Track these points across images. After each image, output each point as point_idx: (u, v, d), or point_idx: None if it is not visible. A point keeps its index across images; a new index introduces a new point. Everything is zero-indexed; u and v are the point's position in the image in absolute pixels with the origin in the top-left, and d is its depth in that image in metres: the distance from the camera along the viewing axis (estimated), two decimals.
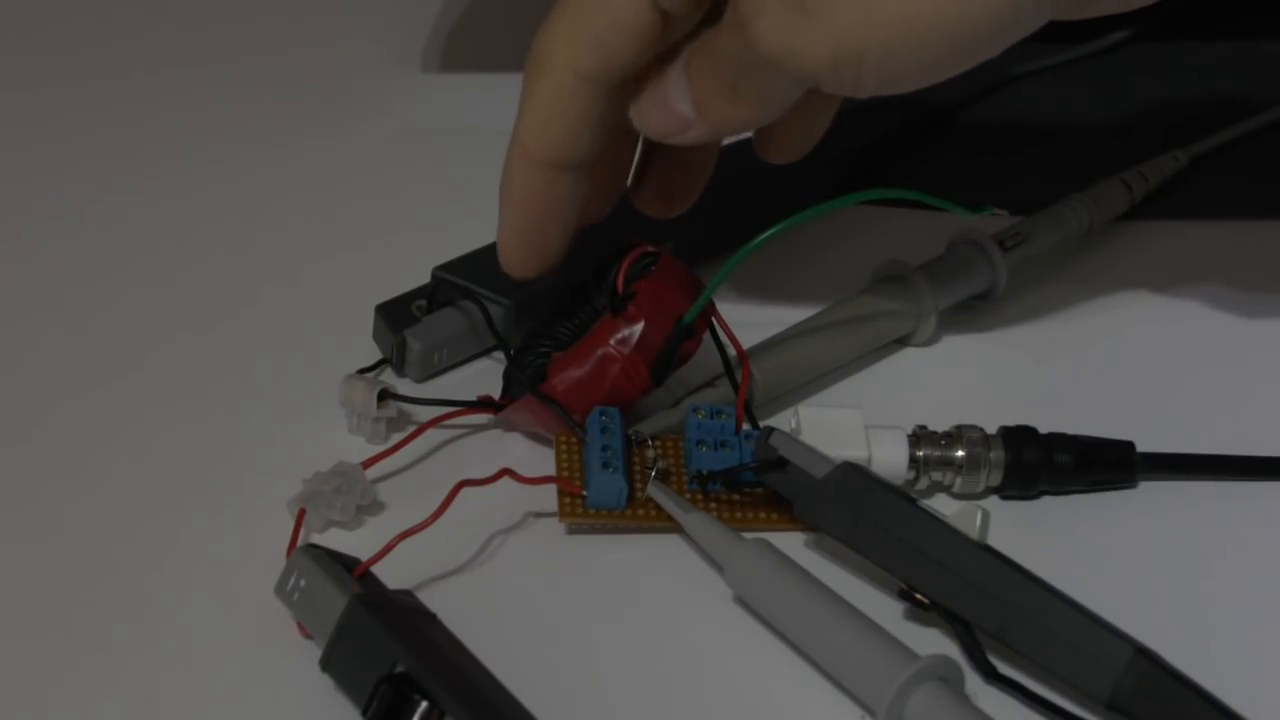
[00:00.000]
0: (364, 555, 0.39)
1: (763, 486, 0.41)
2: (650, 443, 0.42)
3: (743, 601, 0.39)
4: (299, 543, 0.40)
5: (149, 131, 0.57)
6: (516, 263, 0.42)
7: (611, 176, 0.44)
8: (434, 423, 0.43)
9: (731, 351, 0.43)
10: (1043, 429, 0.42)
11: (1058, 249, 0.49)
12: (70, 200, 0.53)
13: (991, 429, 0.42)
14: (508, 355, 0.44)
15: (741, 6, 0.36)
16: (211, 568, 0.40)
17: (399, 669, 0.35)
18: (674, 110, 0.39)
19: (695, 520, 0.40)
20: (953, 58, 0.36)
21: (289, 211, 0.53)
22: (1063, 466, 0.42)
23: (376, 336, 0.46)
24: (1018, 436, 0.42)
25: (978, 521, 0.38)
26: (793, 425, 0.41)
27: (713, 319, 0.42)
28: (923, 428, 0.42)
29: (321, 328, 0.48)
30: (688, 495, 0.41)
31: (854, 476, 0.39)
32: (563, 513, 0.40)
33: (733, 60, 0.37)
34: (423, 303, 0.46)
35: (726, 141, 0.52)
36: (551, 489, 0.41)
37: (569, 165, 0.40)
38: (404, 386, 0.45)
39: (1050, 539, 0.41)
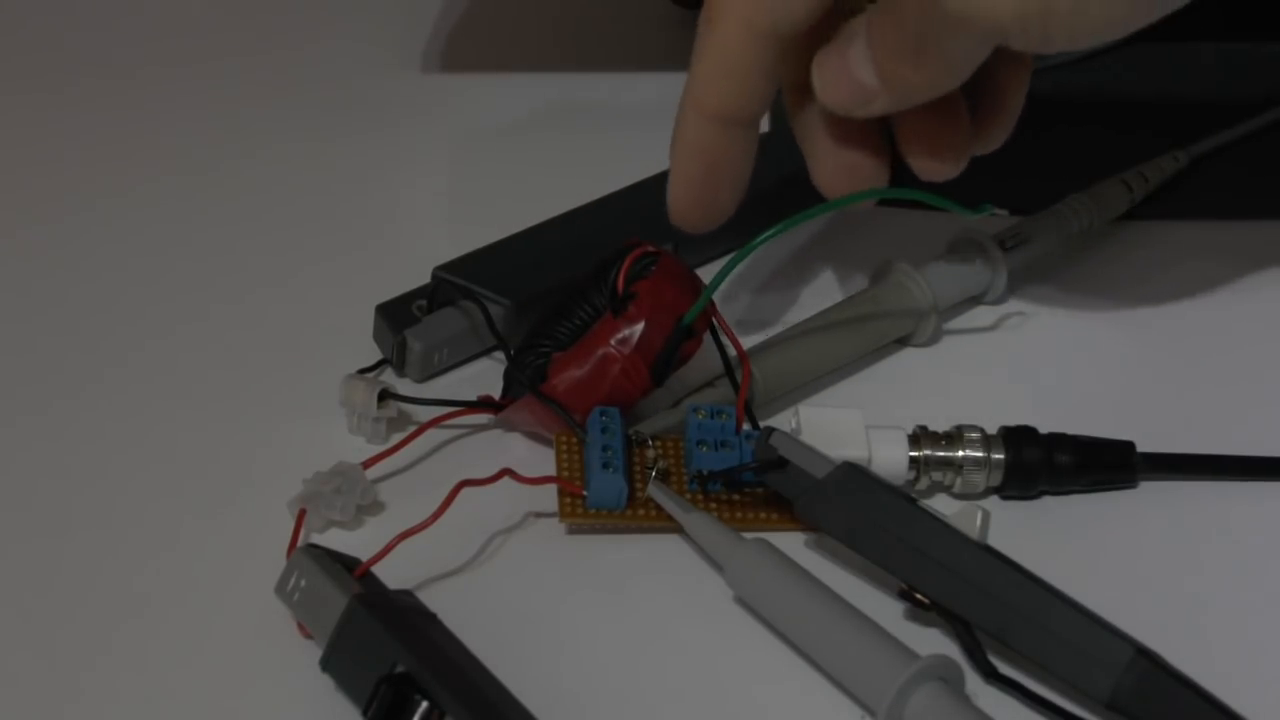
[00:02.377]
0: (364, 555, 0.39)
1: (763, 486, 0.41)
2: (650, 443, 0.42)
3: (743, 601, 0.39)
4: (299, 543, 0.40)
5: (150, 132, 0.57)
6: (686, 215, 0.41)
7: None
8: (434, 423, 0.43)
9: (731, 351, 0.43)
10: (1043, 429, 0.42)
11: (1058, 249, 0.49)
12: (70, 200, 0.53)
13: (991, 429, 0.42)
14: (508, 355, 0.44)
15: None
16: (211, 568, 0.40)
17: (399, 669, 0.35)
18: (858, 81, 0.39)
19: (695, 520, 0.40)
20: (1141, 7, 0.36)
21: (289, 211, 0.53)
22: (1063, 466, 0.42)
23: (376, 336, 0.46)
24: (1018, 436, 0.42)
25: (978, 521, 0.38)
26: (793, 425, 0.41)
27: (713, 319, 0.42)
28: (923, 428, 0.42)
29: (321, 328, 0.48)
30: (688, 495, 0.41)
31: (854, 476, 0.39)
32: (563, 513, 0.40)
33: (917, 21, 0.37)
34: (423, 303, 0.46)
35: None
36: (551, 489, 0.41)
37: (741, 121, 0.40)
38: (404, 386, 0.45)
39: (1050, 539, 0.41)
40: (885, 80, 0.39)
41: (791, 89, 0.42)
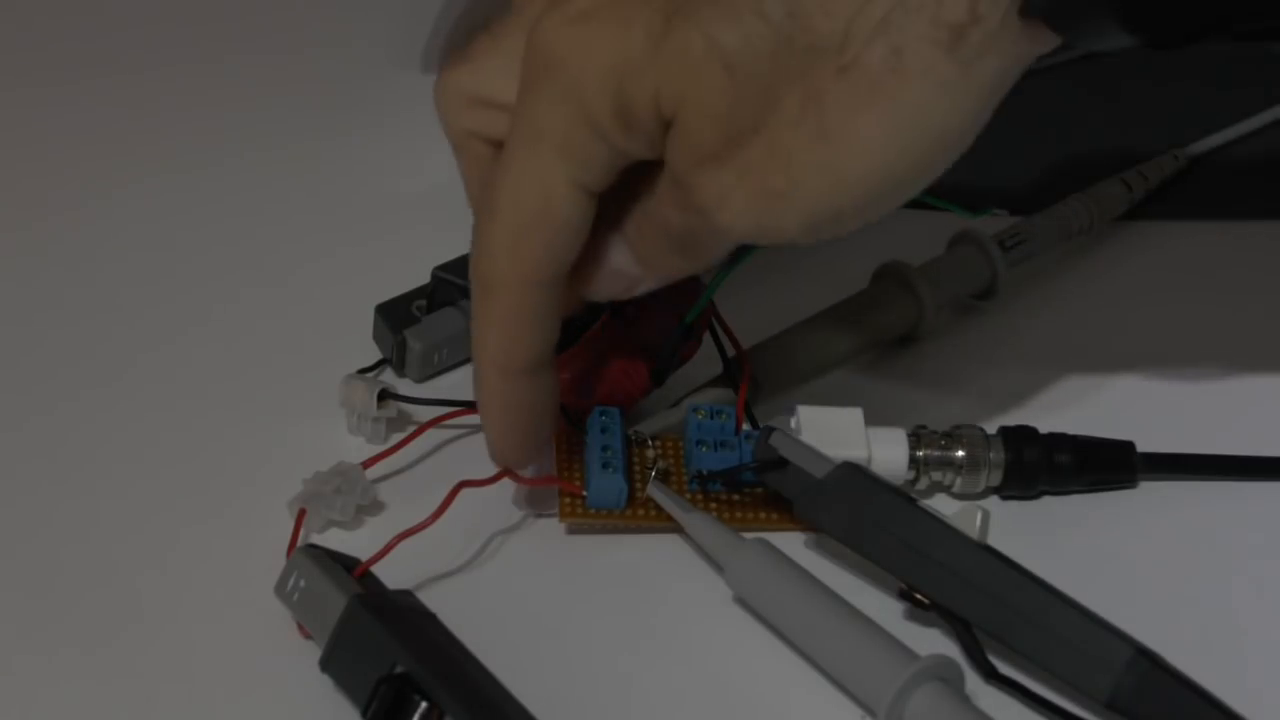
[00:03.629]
0: (364, 555, 0.39)
1: (763, 486, 0.41)
2: (650, 443, 0.42)
3: (743, 601, 0.39)
4: (299, 543, 0.40)
5: (150, 131, 0.57)
6: (514, 460, 0.40)
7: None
8: (434, 423, 0.43)
9: (731, 351, 0.43)
10: (1043, 429, 0.42)
11: (1058, 249, 0.49)
12: (70, 199, 0.53)
13: (991, 429, 0.42)
14: None
15: (698, 199, 0.35)
16: (212, 568, 0.40)
17: (399, 669, 0.35)
18: (623, 274, 0.38)
19: (695, 520, 0.40)
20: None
21: (289, 211, 0.53)
22: (1063, 466, 0.42)
23: (376, 336, 0.46)
24: (1018, 436, 0.42)
25: (978, 521, 0.38)
26: (793, 425, 0.41)
27: (713, 319, 0.42)
28: (923, 428, 0.42)
29: (321, 328, 0.48)
30: (688, 495, 0.41)
31: (854, 476, 0.39)
32: (563, 513, 0.40)
33: (687, 233, 0.37)
34: (423, 303, 0.46)
35: None
36: (551, 489, 0.41)
37: (545, 364, 0.39)
38: (404, 386, 0.45)
39: (1050, 539, 0.41)
40: (650, 268, 0.38)
41: None
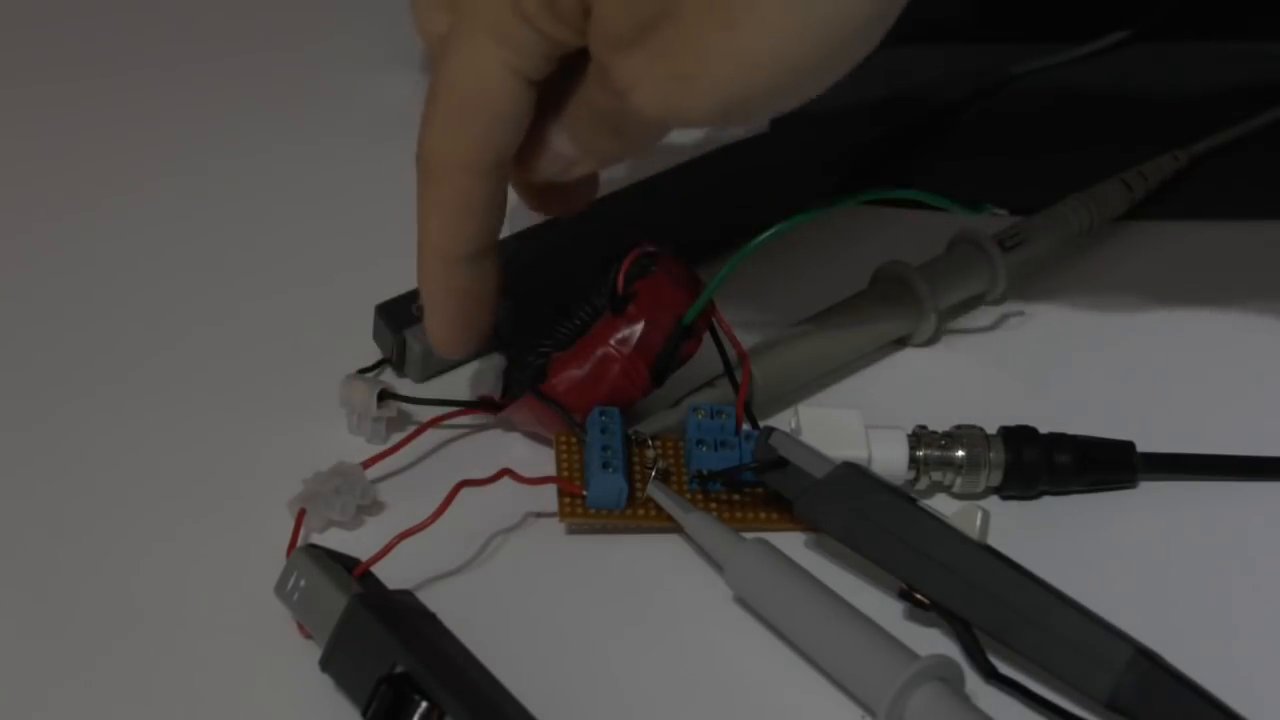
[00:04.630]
0: (364, 555, 0.39)
1: (763, 486, 0.41)
2: (650, 443, 0.42)
3: (743, 601, 0.39)
4: (299, 543, 0.40)
5: (149, 131, 0.57)
6: (453, 348, 0.42)
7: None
8: (434, 423, 0.43)
9: (731, 351, 0.43)
10: (1043, 429, 0.42)
11: (1058, 249, 0.49)
12: (69, 200, 0.53)
13: (991, 429, 0.42)
14: (508, 355, 0.44)
15: (615, 81, 0.36)
16: (211, 568, 0.40)
17: (399, 669, 0.35)
18: (560, 155, 0.40)
19: (695, 520, 0.40)
20: (826, 69, 0.36)
21: (289, 211, 0.53)
22: (1063, 466, 0.42)
23: (376, 336, 0.46)
24: (1018, 436, 0.42)
25: (978, 521, 0.38)
26: (793, 425, 0.41)
27: (713, 319, 0.42)
28: (923, 428, 0.42)
29: (321, 328, 0.48)
30: (688, 495, 0.41)
31: (854, 476, 0.39)
32: (563, 513, 0.40)
33: (613, 114, 0.38)
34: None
35: (726, 141, 0.52)
36: (551, 489, 0.41)
37: (487, 250, 0.40)
38: (404, 386, 0.45)
39: (1050, 539, 0.41)
40: (585, 151, 0.40)
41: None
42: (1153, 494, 0.42)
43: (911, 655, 0.36)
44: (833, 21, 0.35)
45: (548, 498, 0.41)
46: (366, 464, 0.41)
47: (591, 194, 0.44)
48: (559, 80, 0.39)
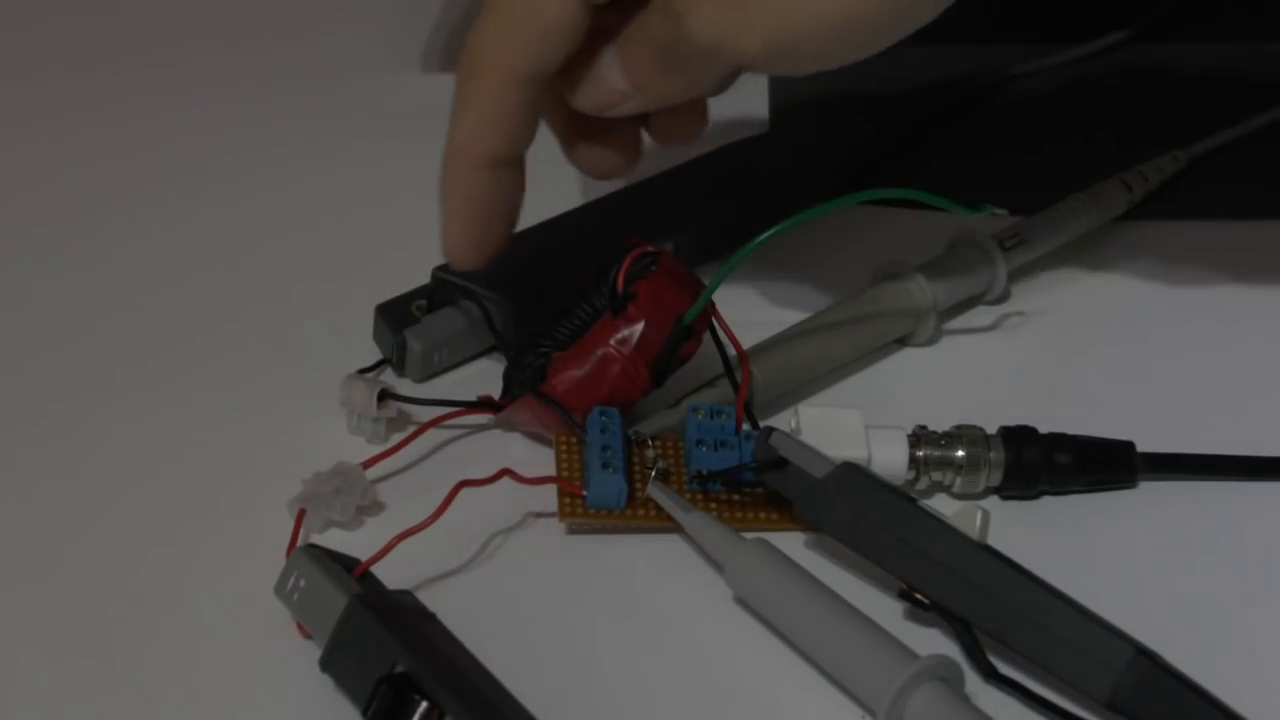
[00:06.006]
0: (364, 555, 0.39)
1: (763, 486, 0.41)
2: (650, 443, 0.42)
3: (743, 601, 0.39)
4: (299, 543, 0.40)
5: (149, 131, 0.57)
6: (462, 256, 0.42)
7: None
8: (434, 423, 0.43)
9: (731, 351, 0.43)
10: (1043, 429, 0.42)
11: (1058, 249, 0.49)
12: (69, 200, 0.53)
13: (991, 429, 0.42)
14: (508, 355, 0.44)
15: (675, 2, 0.37)
16: (211, 568, 0.40)
17: (399, 669, 0.35)
18: (609, 86, 0.40)
19: (695, 520, 0.40)
20: (885, 29, 0.36)
21: (289, 211, 0.53)
22: (1063, 466, 0.42)
23: (376, 336, 0.46)
24: (1018, 436, 0.42)
25: (978, 521, 0.38)
26: (793, 425, 0.41)
27: (713, 319, 0.42)
28: (923, 428, 0.42)
29: (321, 328, 0.48)
30: (688, 495, 0.41)
31: (854, 476, 0.39)
32: (563, 513, 0.40)
33: (668, 44, 0.38)
34: (423, 303, 0.46)
35: (725, 141, 0.52)
36: (551, 489, 0.41)
37: (513, 162, 0.41)
38: (404, 386, 0.45)
39: (1050, 539, 0.41)
40: (638, 86, 0.40)
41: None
42: (1153, 494, 0.42)
43: (911, 655, 0.36)
44: None
45: (548, 498, 0.41)
46: (366, 464, 0.41)
47: (635, 155, 0.44)
48: (618, 13, 0.39)
